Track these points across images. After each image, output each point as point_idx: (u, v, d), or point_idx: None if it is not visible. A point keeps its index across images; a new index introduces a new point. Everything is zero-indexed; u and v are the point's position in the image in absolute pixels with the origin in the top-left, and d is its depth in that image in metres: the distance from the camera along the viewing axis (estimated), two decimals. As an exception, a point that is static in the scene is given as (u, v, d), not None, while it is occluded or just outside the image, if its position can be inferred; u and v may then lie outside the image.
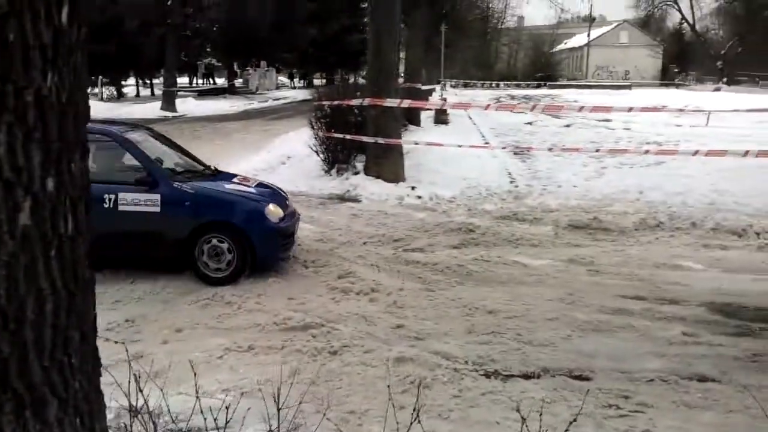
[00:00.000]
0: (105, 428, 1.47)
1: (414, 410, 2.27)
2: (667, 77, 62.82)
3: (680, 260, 6.61)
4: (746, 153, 9.00)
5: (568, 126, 17.55)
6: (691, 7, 65.86)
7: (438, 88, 26.12)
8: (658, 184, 9.65)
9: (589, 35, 65.82)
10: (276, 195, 6.48)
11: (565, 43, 74.38)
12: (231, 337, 4.57)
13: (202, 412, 2.30)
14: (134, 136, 6.33)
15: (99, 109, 23.85)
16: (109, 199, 5.74)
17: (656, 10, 66.87)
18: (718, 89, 46.64)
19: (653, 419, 3.56)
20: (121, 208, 5.74)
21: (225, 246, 5.76)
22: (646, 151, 10.40)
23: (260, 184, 6.72)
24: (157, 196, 5.75)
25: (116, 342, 2.33)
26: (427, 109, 17.74)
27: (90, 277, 1.40)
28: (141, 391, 2.25)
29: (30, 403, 1.19)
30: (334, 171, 10.81)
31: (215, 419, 2.35)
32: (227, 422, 2.35)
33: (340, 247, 6.98)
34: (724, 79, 55.46)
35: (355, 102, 10.49)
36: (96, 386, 1.42)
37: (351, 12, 34.89)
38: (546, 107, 14.20)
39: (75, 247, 1.30)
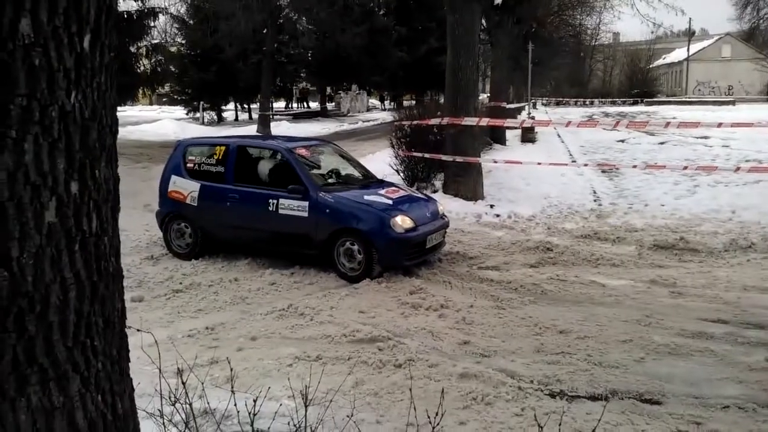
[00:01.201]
0: (129, 408, 1.63)
1: (437, 414, 2.29)
2: (776, 92, 58.94)
3: (772, 283, 6.22)
4: None
5: (662, 143, 16.84)
6: (803, 17, 61.69)
7: (526, 106, 25.82)
8: (753, 204, 9.12)
9: (688, 50, 62.96)
10: (415, 208, 6.95)
11: (664, 59, 71.51)
12: (302, 347, 4.75)
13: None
14: (301, 150, 7.34)
15: (198, 133, 25.23)
16: (273, 204, 6.80)
17: (761, 21, 62.98)
18: (835, 103, 43.28)
19: (726, 447, 3.41)
20: (281, 211, 6.75)
21: (356, 249, 6.47)
22: (737, 169, 9.85)
23: (405, 197, 7.24)
24: (306, 203, 6.66)
25: (138, 330, 2.53)
26: (513, 128, 17.57)
27: (117, 270, 1.58)
28: (184, 384, 2.41)
29: (54, 378, 1.37)
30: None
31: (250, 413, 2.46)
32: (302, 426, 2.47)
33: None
34: (843, 93, 51.42)
35: (434, 121, 10.61)
36: (121, 369, 1.59)
37: (440, 34, 35.18)
38: (630, 123, 13.68)
39: (99, 244, 1.49)
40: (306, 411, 2.54)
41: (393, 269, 6.57)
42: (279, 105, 46.03)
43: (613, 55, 65.00)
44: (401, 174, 11.23)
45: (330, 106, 42.84)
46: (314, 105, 43.96)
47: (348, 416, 2.78)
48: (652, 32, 40.89)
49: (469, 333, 5.06)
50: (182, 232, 7.48)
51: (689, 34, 63.06)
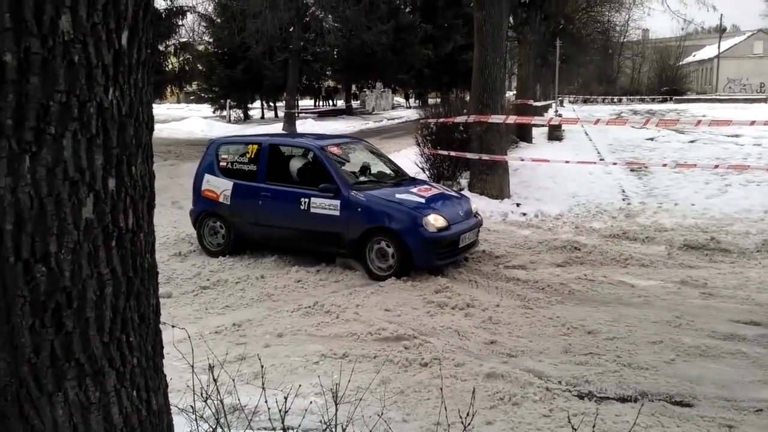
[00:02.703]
0: (163, 404, 1.65)
1: (468, 412, 2.28)
2: (811, 89, 57.61)
3: (807, 285, 6.08)
4: None
5: (692, 142, 16.59)
6: (840, 12, 60.20)
7: (553, 104, 25.58)
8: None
9: (719, 46, 61.77)
10: (448, 207, 6.89)
11: (694, 56, 70.28)
12: (328, 345, 4.76)
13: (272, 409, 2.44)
14: (333, 148, 7.37)
15: (225, 131, 25.48)
16: (305, 202, 6.82)
17: (797, 16, 61.65)
18: None
19: (760, 452, 3.34)
20: (312, 210, 6.78)
21: (390, 249, 6.46)
22: (770, 168, 9.64)
23: (438, 195, 7.20)
24: (338, 202, 6.66)
25: (173, 326, 2.56)
26: (540, 126, 17.43)
27: (152, 267, 1.59)
28: (215, 380, 2.43)
29: (90, 373, 1.39)
30: (443, 188, 10.86)
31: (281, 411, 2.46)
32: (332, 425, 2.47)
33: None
34: None
35: (460, 119, 10.56)
36: (156, 365, 1.60)
37: (466, 31, 35.02)
38: (660, 121, 13.48)
39: (135, 240, 1.50)
40: (336, 409, 2.54)
41: (425, 269, 6.50)
42: (305, 103, 46.22)
43: (642, 52, 63.99)
44: (427, 172, 11.19)
45: (355, 104, 42.90)
46: (340, 103, 44.08)
47: (378, 414, 2.77)
48: (683, 29, 40.15)
49: (496, 332, 5.02)
50: (215, 230, 7.52)
51: (720, 31, 61.90)
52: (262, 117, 36.28)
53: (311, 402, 3.18)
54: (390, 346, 4.72)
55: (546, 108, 24.73)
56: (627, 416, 3.66)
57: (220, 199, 7.40)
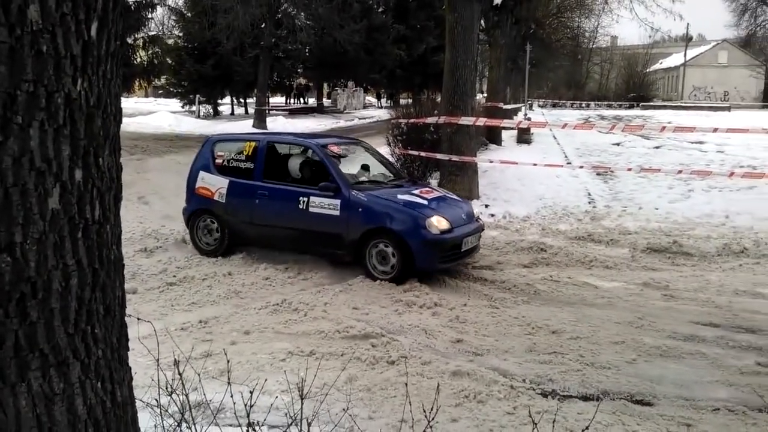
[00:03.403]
0: (128, 396, 1.64)
1: (432, 407, 2.30)
2: (770, 99, 59.29)
3: (763, 288, 6.27)
4: None
5: (657, 147, 16.91)
6: (800, 25, 61.99)
7: (523, 107, 25.85)
8: (747, 209, 9.19)
9: (685, 55, 63.21)
10: (450, 209, 6.76)
11: (660, 63, 71.76)
12: (295, 342, 4.75)
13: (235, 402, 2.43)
14: (333, 147, 7.23)
15: (193, 126, 25.17)
16: (304, 201, 6.67)
17: (758, 28, 63.29)
18: (828, 111, 43.59)
19: (716, 449, 3.43)
20: (311, 209, 6.63)
21: (390, 251, 6.31)
22: (731, 174, 9.92)
23: (440, 197, 7.08)
24: (338, 202, 6.53)
25: (138, 319, 2.55)
26: (509, 129, 17.61)
27: (118, 259, 1.58)
28: (181, 375, 2.42)
29: (55, 364, 1.38)
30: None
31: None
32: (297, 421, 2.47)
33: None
34: (837, 101, 51.73)
35: (430, 120, 10.62)
36: (121, 357, 1.60)
37: (438, 33, 35.21)
38: (626, 126, 13.75)
39: (101, 232, 1.50)
40: (302, 404, 2.54)
41: (427, 273, 6.38)
42: (276, 100, 45.91)
43: (610, 58, 65.11)
44: (397, 172, 11.21)
45: (327, 102, 42.81)
46: (311, 101, 43.93)
47: (343, 410, 2.79)
48: (650, 36, 41.04)
49: (463, 331, 5.08)
50: (209, 228, 7.33)
51: (686, 40, 63.36)
52: (232, 113, 35.96)
53: (276, 397, 3.18)
54: (357, 344, 4.73)
55: (515, 111, 24.97)
56: (589, 414, 3.73)
57: (215, 197, 7.25)
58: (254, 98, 29.54)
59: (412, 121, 11.20)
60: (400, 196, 6.67)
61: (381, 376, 4.23)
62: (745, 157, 14.30)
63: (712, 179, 10.97)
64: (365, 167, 7.45)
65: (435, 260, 6.32)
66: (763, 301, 5.92)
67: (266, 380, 3.42)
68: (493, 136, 17.10)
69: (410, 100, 34.56)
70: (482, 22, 16.76)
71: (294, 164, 7.25)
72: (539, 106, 47.39)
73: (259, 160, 7.15)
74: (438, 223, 6.29)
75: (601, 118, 31.62)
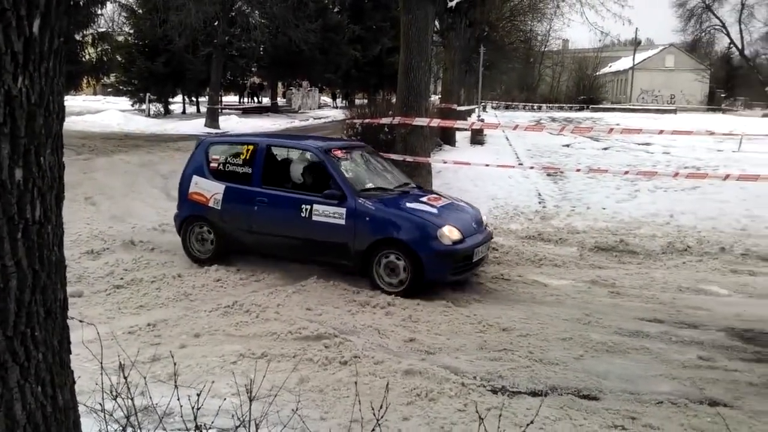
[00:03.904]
0: (69, 400, 1.60)
1: (382, 406, 2.32)
2: (713, 102, 61.56)
3: (705, 285, 6.51)
4: (781, 178, 8.78)
5: (606, 149, 17.36)
6: (740, 32, 64.39)
7: (476, 109, 26.16)
8: (690, 209, 9.51)
9: (634, 59, 65.01)
10: (461, 217, 6.52)
11: (610, 66, 73.59)
12: (246, 344, 4.70)
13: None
14: (337, 152, 6.86)
15: (144, 125, 24.65)
16: (306, 209, 6.36)
17: (704, 34, 65.61)
18: (766, 115, 45.48)
19: (658, 441, 3.54)
20: (314, 218, 6.32)
21: (400, 263, 6.03)
22: (676, 174, 10.26)
23: (449, 205, 6.76)
24: (343, 210, 6.22)
25: (81, 321, 2.49)
26: (463, 130, 17.80)
27: (59, 260, 1.54)
28: (126, 379, 2.37)
29: None
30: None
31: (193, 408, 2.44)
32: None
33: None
34: (774, 105, 53.97)
35: (385, 120, 10.66)
36: (62, 360, 1.56)
37: (394, 34, 35.40)
38: (575, 128, 14.08)
39: (42, 232, 1.46)
40: (250, 405, 2.52)
41: (437, 285, 6.14)
42: (229, 99, 45.32)
43: (561, 61, 66.44)
44: (351, 172, 11.21)
45: (281, 101, 42.50)
46: (265, 100, 43.52)
47: (293, 410, 2.77)
48: (600, 40, 42.20)
49: (415, 331, 5.11)
50: (203, 236, 7.02)
51: (635, 44, 65.21)
52: (184, 112, 35.35)
53: (224, 400, 3.14)
54: (310, 345, 4.71)
55: (469, 112, 25.25)
56: (536, 409, 3.80)
57: (210, 204, 6.90)
58: (207, 97, 29.10)
59: (366, 121, 11.23)
60: (408, 205, 6.38)
61: (333, 376, 4.23)
62: (690, 158, 14.80)
63: (658, 180, 11.32)
64: (369, 173, 7.05)
65: (446, 272, 6.06)
66: (705, 297, 6.15)
67: (213, 383, 3.37)
68: (447, 137, 17.26)
69: (365, 101, 34.65)
70: (437, 24, 16.91)
71: (295, 169, 6.86)
72: (493, 107, 48.06)
73: (257, 164, 6.79)
74: (450, 233, 6.01)
75: (552, 120, 32.28)
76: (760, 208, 9.41)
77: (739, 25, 60.79)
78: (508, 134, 19.90)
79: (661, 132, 10.01)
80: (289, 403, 3.56)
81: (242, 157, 6.92)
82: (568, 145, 17.90)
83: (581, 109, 52.98)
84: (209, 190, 6.94)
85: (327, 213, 6.26)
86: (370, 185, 6.71)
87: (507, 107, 51.58)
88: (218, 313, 5.39)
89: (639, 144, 17.64)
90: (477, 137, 18.54)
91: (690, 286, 6.47)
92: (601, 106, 55.95)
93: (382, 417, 2.46)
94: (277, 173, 6.89)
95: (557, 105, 54.97)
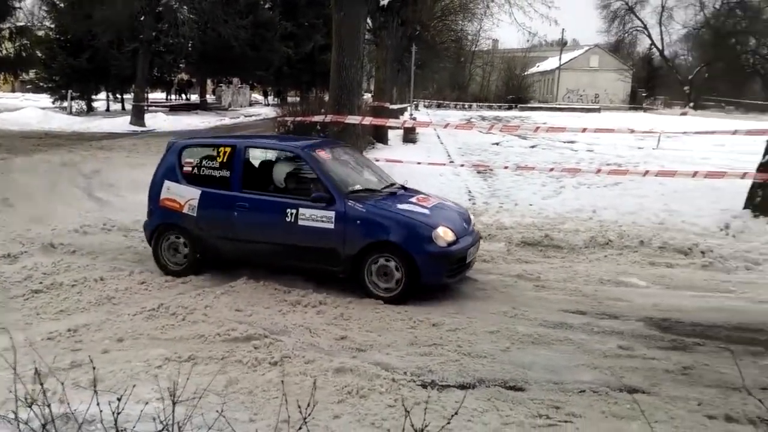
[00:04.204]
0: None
1: (309, 404, 2.31)
2: (635, 101, 64.29)
3: (625, 277, 6.77)
4: (695, 174, 9.26)
5: (533, 147, 17.85)
6: (661, 33, 67.85)
7: (409, 107, 26.39)
8: (612, 204, 9.89)
9: (560, 59, 67.13)
10: (452, 217, 6.35)
11: (537, 66, 75.71)
12: (172, 348, 4.59)
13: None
14: (321, 153, 6.51)
15: (66, 123, 23.67)
16: (291, 214, 6.02)
17: (626, 35, 68.61)
18: (684, 113, 47.81)
19: (580, 429, 3.65)
20: (300, 222, 6.00)
21: (394, 267, 5.83)
22: (598, 171, 10.66)
23: (439, 205, 6.59)
24: (332, 213, 5.93)
25: None
26: (396, 128, 17.92)
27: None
28: (42, 385, 2.29)
29: None
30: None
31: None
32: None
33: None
34: (691, 104, 56.82)
35: (317, 118, 10.62)
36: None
37: (326, 32, 35.24)
38: (504, 127, 14.45)
39: None
40: (174, 408, 2.47)
41: (432, 289, 6.00)
42: (156, 96, 44.01)
43: (491, 61, 67.92)
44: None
45: (210, 99, 41.63)
46: (194, 97, 42.52)
47: (217, 412, 2.72)
48: (528, 41, 43.45)
49: (347, 328, 5.11)
50: (176, 246, 6.61)
51: (561, 44, 67.43)
52: (108, 110, 34.10)
53: (147, 404, 3.06)
54: (239, 346, 4.64)
55: (401, 111, 25.45)
56: (465, 402, 3.87)
57: (185, 210, 6.49)
58: (132, 94, 28.20)
59: (298, 119, 11.18)
60: (399, 206, 6.15)
61: (263, 377, 4.18)
62: (612, 156, 15.40)
63: (582, 176, 11.73)
64: (354, 174, 6.79)
65: (442, 275, 5.91)
66: (625, 289, 6.40)
67: (134, 386, 3.27)
68: (379, 135, 17.34)
69: (298, 98, 34.39)
70: (369, 22, 16.96)
71: (278, 172, 6.53)
72: (425, 106, 48.64)
73: (236, 167, 6.42)
74: (444, 234, 5.85)
75: (482, 119, 32.91)
76: (677, 203, 9.89)
77: (659, 27, 64.03)
78: (439, 132, 20.17)
79: (584, 130, 10.38)
80: (217, 406, 3.50)
81: (219, 159, 6.53)
82: (497, 143, 18.32)
83: (510, 108, 54.33)
84: (183, 196, 6.53)
85: (314, 217, 5.98)
86: (358, 186, 6.43)
87: (439, 106, 52.30)
88: (143, 316, 5.24)
89: (564, 142, 18.22)
90: (409, 135, 18.71)
91: (611, 278, 6.72)
92: (528, 105, 57.52)
93: (309, 415, 2.46)
94: (259, 176, 6.58)
95: (487, 104, 56.19)
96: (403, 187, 7.00)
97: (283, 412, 3.77)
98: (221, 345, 4.67)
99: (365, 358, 4.54)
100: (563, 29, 72.78)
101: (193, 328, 4.99)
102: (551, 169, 11.28)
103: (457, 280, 6.15)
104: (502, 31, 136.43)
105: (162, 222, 6.67)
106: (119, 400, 2.50)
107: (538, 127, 12.15)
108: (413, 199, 6.44)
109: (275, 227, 6.13)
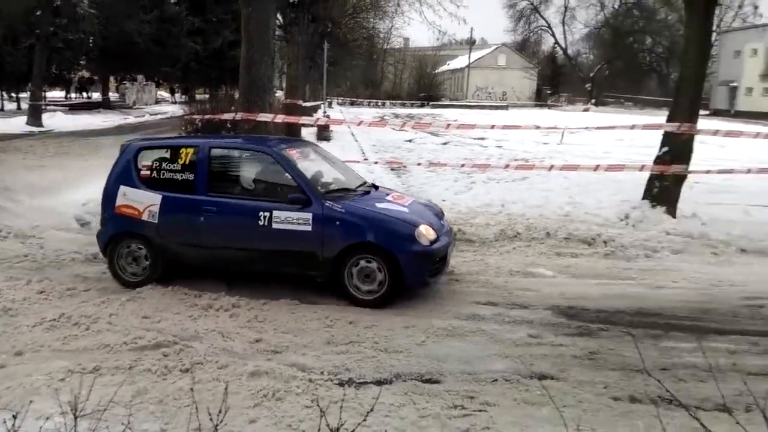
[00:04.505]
0: None
1: (221, 410, 2.26)
2: (541, 98, 66.89)
3: (533, 268, 7.02)
4: (597, 167, 9.71)
5: (445, 143, 18.21)
6: (564, 32, 70.82)
7: (322, 105, 26.27)
8: (520, 198, 10.22)
9: (469, 57, 68.80)
10: (429, 215, 6.23)
11: (448, 65, 77.25)
12: (76, 359, 4.36)
13: None
14: (292, 152, 6.22)
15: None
16: (264, 217, 5.74)
17: (532, 34, 71.24)
18: (587, 110, 50.20)
19: (494, 417, 3.75)
20: (275, 225, 5.73)
21: (375, 267, 5.65)
22: (507, 166, 11.01)
23: (415, 202, 6.49)
24: (309, 215, 5.69)
25: None
26: (309, 126, 17.79)
27: None
28: None
29: None
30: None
31: None
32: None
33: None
34: (593, 101, 59.67)
35: (227, 116, 10.38)
36: None
37: (236, 27, 34.51)
38: (416, 124, 14.68)
39: None
40: (75, 423, 2.33)
41: (415, 290, 5.92)
42: (55, 94, 41.75)
43: (403, 59, 68.69)
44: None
45: (114, 97, 39.93)
46: (95, 95, 40.64)
47: (123, 424, 2.60)
48: (438, 39, 44.30)
49: (261, 331, 5.02)
50: (136, 255, 6.20)
51: (470, 43, 69.13)
52: (2, 109, 32.07)
53: (48, 419, 2.89)
54: (148, 354, 4.46)
55: (315, 108, 25.34)
56: (383, 398, 3.90)
57: (144, 217, 6.08)
58: (28, 92, 26.60)
59: (207, 117, 10.88)
60: (379, 205, 6.01)
61: (174, 385, 4.04)
62: (519, 151, 15.96)
63: (491, 172, 12.06)
64: (324, 173, 6.51)
65: (425, 274, 5.77)
66: (534, 279, 6.63)
67: (32, 402, 3.09)
68: (292, 134, 17.11)
69: (207, 96, 33.53)
70: (280, 18, 16.74)
71: (247, 173, 6.26)
72: (338, 104, 48.60)
73: (200, 169, 6.08)
74: (427, 232, 5.74)
75: (395, 116, 33.29)
76: (581, 196, 10.35)
77: (563, 26, 66.85)
78: (353, 130, 20.20)
79: (493, 127, 10.68)
80: (124, 418, 3.36)
81: (180, 162, 6.16)
82: (410, 141, 18.57)
83: (422, 105, 55.14)
84: (142, 202, 6.12)
85: (290, 219, 5.73)
86: (333, 186, 6.27)
87: (352, 103, 52.41)
88: (43, 327, 4.94)
89: (474, 138, 18.71)
90: (323, 133, 18.64)
91: (520, 269, 6.95)
92: (440, 102, 58.60)
93: (221, 422, 2.40)
94: (226, 178, 6.28)
95: (400, 101, 56.79)
96: (374, 186, 6.84)
97: (194, 420, 3.68)
98: (128, 354, 4.48)
99: (281, 360, 4.48)
100: (472, 28, 74.90)
101: (97, 337, 4.75)
102: (462, 165, 11.55)
103: (436, 280, 6.04)
104: (413, 29, 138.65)
105: (118, 230, 6.25)
106: (15, 417, 2.35)
107: (449, 125, 12.41)
108: (389, 198, 6.35)
109: (247, 232, 5.87)
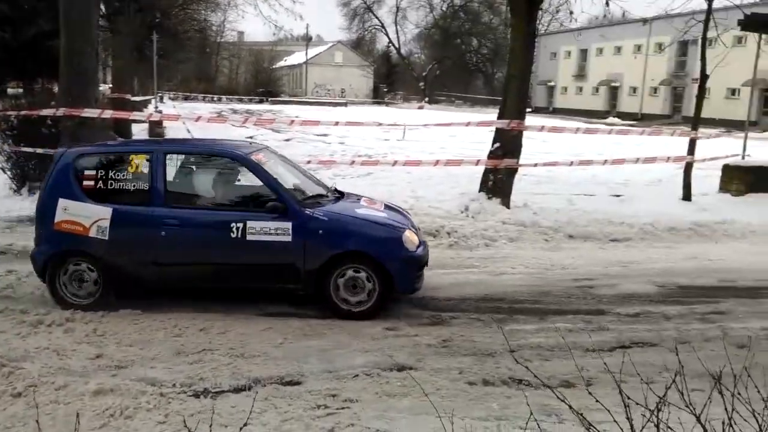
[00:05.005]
0: None
1: None
2: (378, 96, 68.70)
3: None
4: (437, 162, 10.12)
5: (288, 140, 18.06)
6: (397, 32, 73.26)
7: (153, 99, 24.89)
8: (365, 193, 10.29)
9: (306, 54, 68.82)
10: (404, 219, 5.99)
11: (285, 60, 76.75)
12: None
13: None
14: (259, 156, 5.66)
15: None
16: (237, 228, 5.23)
17: (366, 33, 72.87)
18: (421, 107, 52.38)
19: (357, 413, 3.76)
20: (249, 237, 5.25)
21: (363, 276, 5.33)
22: (352, 162, 11.14)
23: (388, 207, 6.23)
24: (289, 225, 5.26)
25: None
26: (140, 121, 16.77)
27: None
28: None
29: None
30: (25, 190, 9.66)
31: None
32: None
33: (33, 275, 6.06)
34: (426, 99, 62.35)
35: (47, 112, 9.46)
36: None
37: (51, 16, 31.63)
38: (258, 120, 14.42)
39: None
40: None
41: (406, 295, 5.67)
42: None
43: (238, 53, 67.06)
44: (8, 172, 9.76)
45: None
46: None
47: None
48: (274, 34, 43.70)
49: (102, 345, 4.63)
50: (81, 275, 5.44)
51: (307, 39, 69.20)
52: None
53: None
54: (-31, 381, 3.93)
55: (145, 103, 23.93)
56: (243, 406, 3.75)
57: (92, 234, 5.33)
58: None
59: (24, 113, 9.83)
60: (359, 211, 5.70)
61: (5, 413, 3.61)
62: (363, 147, 16.24)
63: (337, 168, 12.13)
64: (291, 179, 5.99)
65: (413, 281, 5.53)
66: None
67: None
68: (121, 130, 16.05)
69: (21, 90, 30.42)
70: (103, 7, 15.62)
71: (212, 181, 5.76)
72: (170, 98, 46.42)
73: (156, 178, 5.42)
74: (412, 237, 5.52)
75: (234, 112, 32.44)
76: (423, 189, 10.74)
77: (395, 26, 69.07)
78: (190, 126, 19.32)
79: (336, 123, 10.73)
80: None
81: (132, 170, 5.49)
82: (251, 137, 18.14)
83: (261, 101, 54.28)
84: (88, 217, 5.37)
85: (267, 230, 5.26)
86: (309, 193, 5.82)
87: (186, 98, 50.30)
88: None
89: (317, 135, 18.76)
90: (156, 130, 17.67)
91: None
92: (280, 98, 58.04)
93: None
94: (187, 187, 5.77)
95: (237, 97, 55.43)
96: (343, 192, 6.42)
97: (32, 451, 3.31)
98: (-59, 384, 3.91)
99: (127, 375, 4.16)
100: (308, 24, 74.87)
101: None
102: (308, 162, 11.47)
103: (420, 287, 5.76)
104: (248, 23, 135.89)
105: (59, 249, 5.50)
106: None
107: (292, 121, 12.27)
108: (363, 203, 6.09)
109: (218, 245, 5.36)
